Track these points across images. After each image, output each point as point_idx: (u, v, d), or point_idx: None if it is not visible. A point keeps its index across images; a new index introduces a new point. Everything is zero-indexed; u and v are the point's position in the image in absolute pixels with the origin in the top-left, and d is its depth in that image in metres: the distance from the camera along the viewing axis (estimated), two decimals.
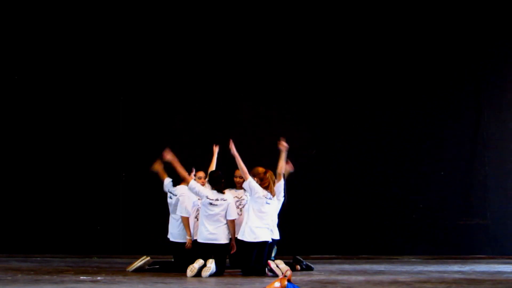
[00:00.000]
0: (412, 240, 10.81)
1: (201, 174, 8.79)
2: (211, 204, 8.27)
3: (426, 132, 11.05)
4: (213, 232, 8.25)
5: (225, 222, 8.32)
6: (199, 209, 8.51)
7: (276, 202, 8.38)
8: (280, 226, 8.55)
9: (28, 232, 10.73)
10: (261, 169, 8.35)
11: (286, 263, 8.13)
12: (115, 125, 11.03)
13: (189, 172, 8.68)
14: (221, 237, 8.28)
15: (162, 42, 11.22)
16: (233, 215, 8.33)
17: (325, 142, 11.06)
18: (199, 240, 8.28)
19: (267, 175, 8.27)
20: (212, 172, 8.65)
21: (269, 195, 8.22)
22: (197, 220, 8.50)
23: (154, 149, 10.93)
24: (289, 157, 10.65)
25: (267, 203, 8.22)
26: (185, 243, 8.44)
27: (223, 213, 8.31)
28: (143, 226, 10.60)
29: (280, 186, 8.37)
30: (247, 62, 11.16)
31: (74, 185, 10.86)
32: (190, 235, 8.40)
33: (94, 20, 11.19)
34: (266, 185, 8.23)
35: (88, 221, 10.79)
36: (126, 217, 10.79)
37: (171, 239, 8.67)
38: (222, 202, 8.32)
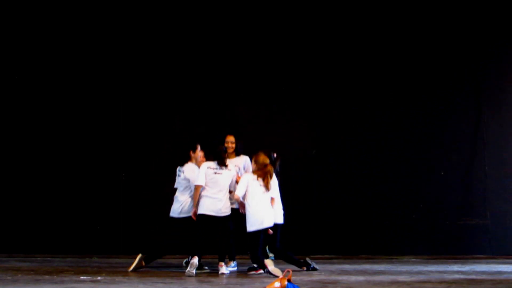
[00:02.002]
0: (412, 240, 10.79)
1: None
2: (215, 173, 8.39)
3: (426, 132, 11.04)
4: (216, 204, 8.32)
5: (226, 193, 8.41)
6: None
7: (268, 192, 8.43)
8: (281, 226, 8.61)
9: (28, 232, 10.73)
10: (262, 159, 8.43)
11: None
12: (115, 125, 11.03)
13: (194, 149, 8.80)
14: (224, 210, 8.36)
15: (162, 43, 11.22)
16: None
17: (325, 142, 11.05)
18: (200, 212, 8.33)
19: (267, 168, 8.37)
20: (215, 147, 8.71)
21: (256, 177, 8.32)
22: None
23: (154, 149, 11.03)
24: (290, 157, 10.74)
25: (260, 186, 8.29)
26: (184, 218, 8.50)
27: (226, 184, 8.41)
28: (143, 226, 10.60)
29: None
30: (247, 62, 11.16)
31: (74, 185, 10.85)
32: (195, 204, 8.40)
33: (94, 20, 11.19)
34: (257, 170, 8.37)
35: (88, 221, 10.78)
36: (126, 217, 10.79)
37: (171, 214, 8.69)
38: (227, 171, 8.47)
